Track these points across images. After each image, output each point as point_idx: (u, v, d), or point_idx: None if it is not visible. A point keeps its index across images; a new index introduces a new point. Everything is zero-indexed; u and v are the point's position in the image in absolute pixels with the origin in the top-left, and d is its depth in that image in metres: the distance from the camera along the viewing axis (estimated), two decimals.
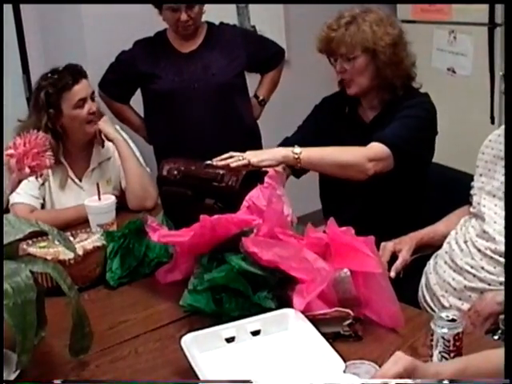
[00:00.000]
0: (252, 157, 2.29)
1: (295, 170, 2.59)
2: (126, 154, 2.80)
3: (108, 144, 2.84)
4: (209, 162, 2.30)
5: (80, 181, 2.81)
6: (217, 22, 3.33)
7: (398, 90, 2.51)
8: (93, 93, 2.79)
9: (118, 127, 2.95)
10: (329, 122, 2.64)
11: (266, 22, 4.24)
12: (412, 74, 2.56)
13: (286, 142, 2.57)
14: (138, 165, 2.83)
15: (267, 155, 2.32)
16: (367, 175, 2.34)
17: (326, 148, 2.40)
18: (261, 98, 3.49)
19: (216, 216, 1.92)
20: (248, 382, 1.50)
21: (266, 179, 2.09)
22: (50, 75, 2.72)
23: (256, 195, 2.02)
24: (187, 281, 1.92)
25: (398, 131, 2.40)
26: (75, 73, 2.73)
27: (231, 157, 2.28)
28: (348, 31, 2.44)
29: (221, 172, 2.24)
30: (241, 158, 2.27)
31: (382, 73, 2.48)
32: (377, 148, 2.36)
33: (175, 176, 2.31)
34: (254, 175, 2.24)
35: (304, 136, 2.60)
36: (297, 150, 2.32)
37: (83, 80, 2.73)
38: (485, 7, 3.95)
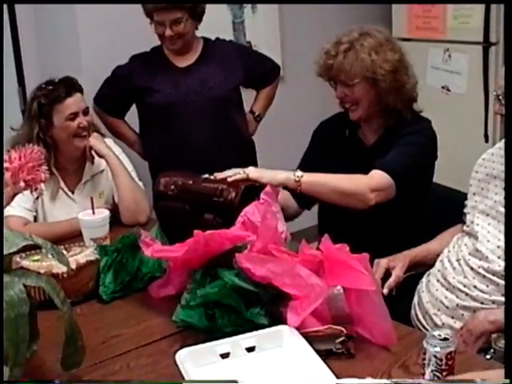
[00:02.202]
0: (252, 172, 2.29)
1: (304, 201, 2.59)
2: (117, 170, 2.78)
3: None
4: (206, 175, 2.30)
5: (72, 193, 2.81)
6: (213, 38, 3.34)
7: (404, 113, 2.48)
8: (86, 108, 2.79)
9: (111, 141, 2.95)
10: (328, 145, 2.63)
11: (262, 38, 4.26)
12: (415, 96, 2.51)
13: None
14: (130, 180, 2.82)
15: (268, 174, 2.30)
16: (368, 205, 2.32)
17: (328, 174, 2.37)
18: (256, 113, 3.51)
19: (209, 231, 1.91)
20: (234, 381, 1.51)
21: (262, 195, 2.08)
22: (44, 86, 2.73)
23: (251, 211, 2.02)
24: (180, 296, 1.92)
25: (399, 159, 2.37)
26: (69, 86, 2.73)
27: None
28: (346, 59, 2.40)
29: (220, 187, 2.22)
30: (241, 172, 2.28)
31: (384, 99, 2.45)
32: (379, 178, 2.33)
33: (172, 190, 2.28)
34: (252, 191, 2.23)
35: (307, 165, 2.55)
36: (298, 173, 2.30)
37: (77, 94, 2.74)
38: (480, 26, 3.98)
